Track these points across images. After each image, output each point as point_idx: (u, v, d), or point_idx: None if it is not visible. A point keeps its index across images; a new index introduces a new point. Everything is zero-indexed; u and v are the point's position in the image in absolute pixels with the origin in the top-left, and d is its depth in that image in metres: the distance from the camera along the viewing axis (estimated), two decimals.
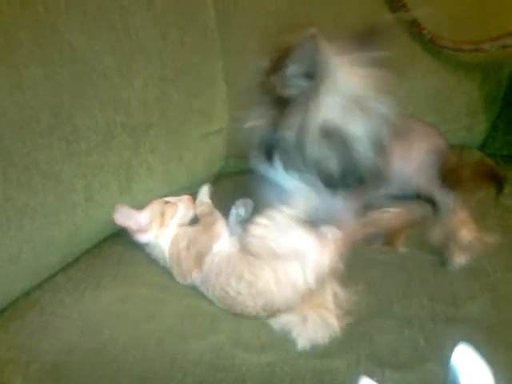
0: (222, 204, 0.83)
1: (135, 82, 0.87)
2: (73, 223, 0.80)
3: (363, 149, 0.67)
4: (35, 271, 0.77)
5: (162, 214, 0.79)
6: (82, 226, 0.81)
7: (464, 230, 0.80)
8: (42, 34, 0.76)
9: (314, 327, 0.65)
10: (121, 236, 0.82)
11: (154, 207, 0.80)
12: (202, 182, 0.89)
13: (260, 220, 0.71)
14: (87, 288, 0.74)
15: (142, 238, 0.78)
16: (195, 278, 0.73)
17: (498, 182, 0.97)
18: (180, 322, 0.68)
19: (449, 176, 0.90)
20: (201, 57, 0.97)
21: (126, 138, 0.86)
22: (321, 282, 0.69)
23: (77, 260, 0.82)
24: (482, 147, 1.23)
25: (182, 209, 0.80)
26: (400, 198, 0.88)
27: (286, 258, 0.68)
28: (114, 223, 0.78)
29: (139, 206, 0.80)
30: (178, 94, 0.93)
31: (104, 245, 0.86)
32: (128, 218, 0.77)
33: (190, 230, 0.78)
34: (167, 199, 0.83)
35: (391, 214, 0.86)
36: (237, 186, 0.94)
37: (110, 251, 0.83)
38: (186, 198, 0.83)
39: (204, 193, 0.85)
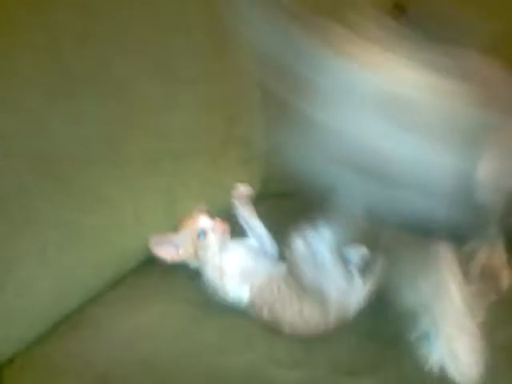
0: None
1: (178, 110, 0.94)
2: (123, 243, 0.87)
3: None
4: (88, 288, 0.83)
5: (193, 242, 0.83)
6: (130, 246, 0.88)
7: None
8: (97, 70, 0.84)
9: None
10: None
11: (187, 236, 0.84)
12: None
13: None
14: (134, 304, 0.80)
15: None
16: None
17: None
18: (218, 337, 0.73)
19: None
20: (241, 85, 1.03)
21: (169, 163, 0.93)
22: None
23: (124, 277, 0.88)
24: None
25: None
26: None
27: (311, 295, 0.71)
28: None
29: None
30: (219, 122, 0.99)
31: (148, 263, 0.91)
32: (162, 248, 0.83)
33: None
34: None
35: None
36: (276, 208, 0.98)
37: (154, 269, 0.88)
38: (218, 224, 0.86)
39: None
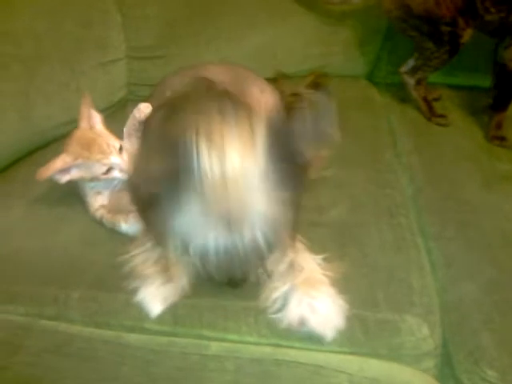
0: None
1: (23, 14, 0.89)
2: None
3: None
4: None
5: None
6: None
7: None
8: None
9: None
10: (26, 160, 0.88)
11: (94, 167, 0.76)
12: (103, 110, 0.94)
13: None
14: (1, 204, 0.80)
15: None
16: None
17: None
18: (82, 234, 0.77)
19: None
20: None
21: (20, 67, 0.90)
22: None
23: None
24: (369, 77, 1.37)
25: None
26: None
27: None
28: (16, 149, 0.83)
29: (40, 132, 0.86)
30: (69, 24, 0.96)
31: (11, 169, 0.91)
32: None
33: None
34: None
35: None
36: None
37: (17, 174, 0.88)
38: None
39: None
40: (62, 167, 0.74)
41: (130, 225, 0.76)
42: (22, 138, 0.88)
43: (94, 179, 0.78)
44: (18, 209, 0.80)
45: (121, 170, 0.77)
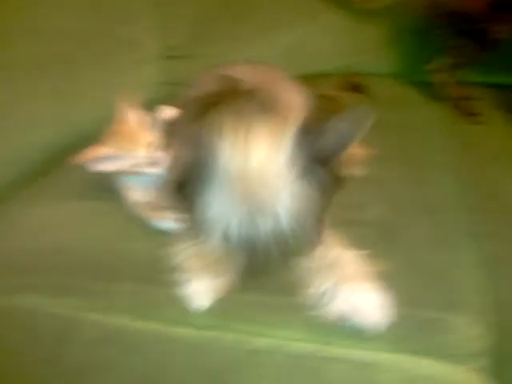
0: None
1: (59, 13, 0.91)
2: (18, 145, 0.86)
3: None
4: None
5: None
6: (25, 148, 0.87)
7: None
8: None
9: None
10: (63, 157, 0.88)
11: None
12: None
13: None
14: (43, 201, 0.81)
15: None
16: None
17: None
18: (123, 228, 0.77)
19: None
20: None
21: (55, 67, 0.91)
22: None
23: (28, 180, 0.88)
24: (398, 75, 1.36)
25: None
26: None
27: None
28: (53, 146, 0.84)
29: (76, 130, 0.86)
30: (104, 23, 0.97)
31: (49, 166, 0.91)
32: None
33: None
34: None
35: None
36: None
37: (56, 171, 0.89)
38: None
39: None
40: (97, 155, 0.75)
41: (166, 221, 0.76)
42: (58, 135, 0.89)
43: (130, 173, 0.78)
44: (59, 204, 0.81)
45: (156, 165, 0.77)
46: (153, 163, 0.77)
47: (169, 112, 0.81)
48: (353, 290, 0.62)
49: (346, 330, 0.61)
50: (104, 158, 0.76)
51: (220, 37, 1.20)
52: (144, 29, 1.09)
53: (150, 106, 1.05)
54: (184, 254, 0.65)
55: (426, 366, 0.59)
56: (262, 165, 0.56)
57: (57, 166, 0.90)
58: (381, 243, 0.71)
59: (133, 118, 0.81)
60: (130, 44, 1.05)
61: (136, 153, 0.76)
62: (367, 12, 1.32)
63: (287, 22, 1.28)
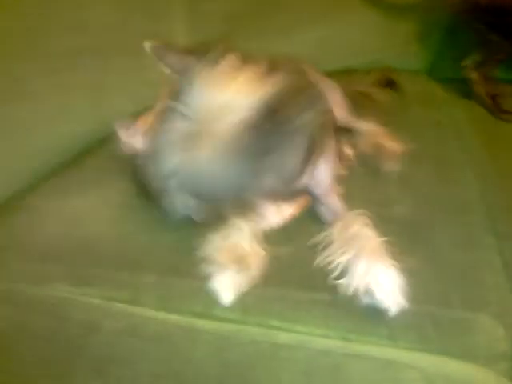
0: None
1: (94, 6, 0.93)
2: (49, 136, 0.89)
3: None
4: (19, 178, 0.85)
5: None
6: (57, 139, 0.90)
7: (388, 142, 0.90)
8: None
9: None
10: (97, 149, 0.91)
11: None
12: None
13: None
14: (71, 193, 0.82)
15: None
16: None
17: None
18: (150, 222, 0.79)
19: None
20: None
21: (90, 59, 0.93)
22: None
23: (57, 171, 0.90)
24: (429, 71, 1.34)
25: None
26: None
27: None
28: (88, 138, 0.86)
29: (110, 123, 0.88)
30: (137, 17, 0.99)
31: (83, 157, 0.93)
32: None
33: None
34: None
35: None
36: None
37: (89, 162, 0.91)
38: None
39: None
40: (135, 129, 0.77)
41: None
42: (93, 127, 0.91)
43: None
44: (89, 196, 0.82)
45: None
46: None
47: None
48: (374, 265, 0.62)
49: (368, 326, 0.61)
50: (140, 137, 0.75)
51: (252, 32, 1.21)
52: (176, 23, 1.10)
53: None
54: (212, 246, 0.66)
55: (448, 365, 0.59)
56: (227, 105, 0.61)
57: (87, 158, 0.92)
58: (405, 241, 0.71)
59: None
60: (162, 38, 1.06)
61: None
62: (398, 8, 1.31)
63: (317, 18, 1.28)
